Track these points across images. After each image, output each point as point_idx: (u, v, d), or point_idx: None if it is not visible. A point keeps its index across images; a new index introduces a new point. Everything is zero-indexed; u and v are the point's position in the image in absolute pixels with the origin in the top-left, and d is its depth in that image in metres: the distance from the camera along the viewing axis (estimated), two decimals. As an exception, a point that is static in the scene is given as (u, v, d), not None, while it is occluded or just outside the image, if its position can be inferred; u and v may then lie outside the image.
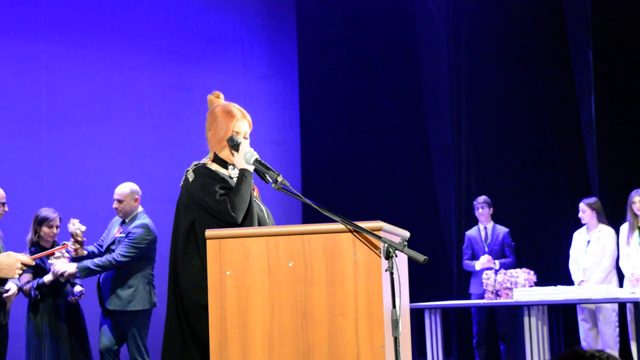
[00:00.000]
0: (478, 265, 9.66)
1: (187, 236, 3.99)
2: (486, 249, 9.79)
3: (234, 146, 4.06)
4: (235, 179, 4.10)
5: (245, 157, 4.02)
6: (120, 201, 7.64)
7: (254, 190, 4.13)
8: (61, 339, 7.28)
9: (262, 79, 11.62)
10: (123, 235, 7.54)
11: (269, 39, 11.80)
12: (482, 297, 9.27)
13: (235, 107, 4.16)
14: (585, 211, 9.13)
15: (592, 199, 9.26)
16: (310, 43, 12.35)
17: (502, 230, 9.93)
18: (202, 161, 4.16)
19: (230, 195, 3.94)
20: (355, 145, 12.57)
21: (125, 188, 7.68)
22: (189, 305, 3.92)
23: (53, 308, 7.32)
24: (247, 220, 3.97)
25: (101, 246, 7.68)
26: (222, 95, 4.26)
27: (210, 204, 3.94)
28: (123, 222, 7.70)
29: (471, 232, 10.02)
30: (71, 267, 7.26)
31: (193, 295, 3.89)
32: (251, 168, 4.03)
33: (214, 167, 4.12)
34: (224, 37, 11.34)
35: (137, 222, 7.59)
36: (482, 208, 9.95)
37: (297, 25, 12.12)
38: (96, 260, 7.41)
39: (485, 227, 9.94)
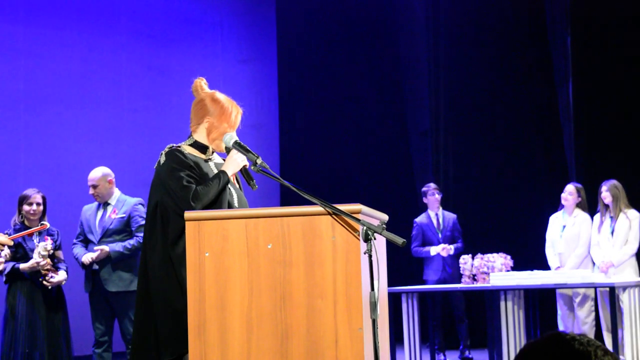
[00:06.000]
0: (433, 250, 9.72)
1: (152, 218, 3.99)
2: (440, 236, 9.85)
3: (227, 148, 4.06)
4: (211, 164, 4.09)
5: (225, 140, 4.00)
6: (95, 186, 7.54)
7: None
8: (38, 322, 7.20)
9: (240, 62, 11.59)
10: (123, 215, 7.45)
11: (248, 23, 11.77)
12: (438, 283, 9.61)
13: (235, 105, 4.16)
14: (572, 194, 9.08)
15: (579, 184, 9.26)
16: (290, 27, 12.32)
17: (451, 216, 10.03)
18: (179, 144, 4.13)
19: (198, 187, 3.92)
20: (334, 129, 12.57)
21: (97, 173, 7.59)
22: (156, 291, 3.92)
23: (29, 290, 7.25)
24: (214, 207, 3.94)
25: (87, 234, 7.58)
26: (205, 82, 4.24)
27: (174, 187, 3.92)
28: (102, 206, 7.60)
29: (421, 219, 10.02)
30: (62, 275, 7.26)
31: (156, 281, 3.92)
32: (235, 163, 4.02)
33: (188, 150, 4.10)
34: (202, 20, 11.30)
35: (130, 201, 7.52)
36: (437, 194, 9.98)
37: (276, 9, 12.09)
38: (125, 244, 7.37)
39: (437, 213, 9.99)
